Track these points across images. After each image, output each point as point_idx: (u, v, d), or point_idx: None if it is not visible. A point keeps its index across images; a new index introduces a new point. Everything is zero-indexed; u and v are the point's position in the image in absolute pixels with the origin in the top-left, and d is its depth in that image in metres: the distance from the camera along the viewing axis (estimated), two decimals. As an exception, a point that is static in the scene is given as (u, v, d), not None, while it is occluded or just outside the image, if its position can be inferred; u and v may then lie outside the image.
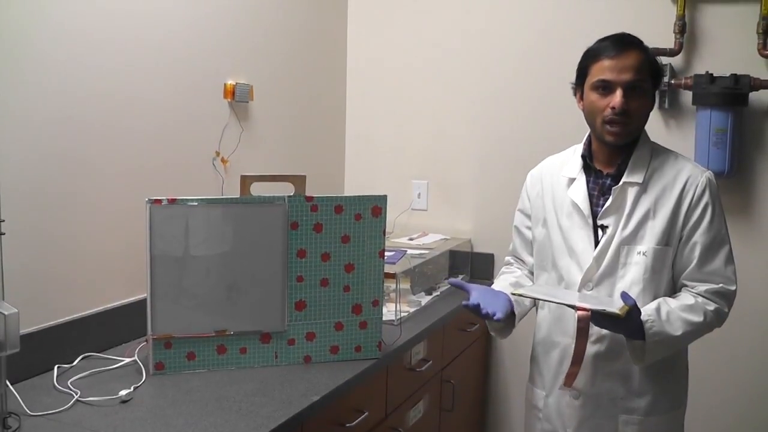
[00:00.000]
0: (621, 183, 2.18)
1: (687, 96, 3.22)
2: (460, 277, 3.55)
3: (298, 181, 2.37)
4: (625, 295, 2.01)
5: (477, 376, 3.62)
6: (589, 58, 2.18)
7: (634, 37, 2.18)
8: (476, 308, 2.11)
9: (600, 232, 2.20)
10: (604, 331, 2.16)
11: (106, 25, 2.38)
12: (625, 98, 2.09)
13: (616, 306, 1.98)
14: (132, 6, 2.47)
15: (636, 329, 2.03)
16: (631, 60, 2.10)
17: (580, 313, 1.98)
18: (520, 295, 2.14)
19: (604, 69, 2.12)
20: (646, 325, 2.03)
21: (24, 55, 2.13)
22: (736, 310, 3.04)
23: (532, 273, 2.42)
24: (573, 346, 2.05)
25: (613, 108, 2.10)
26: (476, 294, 2.18)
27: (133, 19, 2.48)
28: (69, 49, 2.26)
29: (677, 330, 2.06)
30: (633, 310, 1.99)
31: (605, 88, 2.12)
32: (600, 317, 1.99)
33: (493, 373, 3.70)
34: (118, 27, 2.43)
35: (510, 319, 2.24)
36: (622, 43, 2.14)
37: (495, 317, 2.10)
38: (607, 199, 2.20)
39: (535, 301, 2.34)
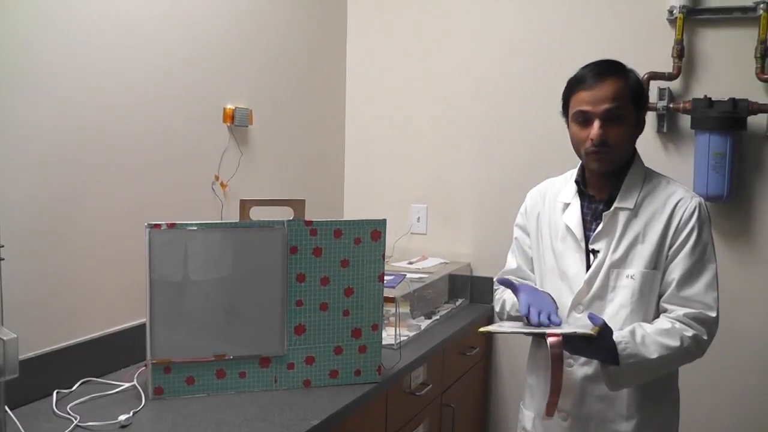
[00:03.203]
0: (612, 208, 2.19)
1: (685, 120, 3.24)
2: (460, 301, 3.55)
3: (298, 205, 2.38)
4: (593, 316, 1.99)
5: (477, 399, 3.61)
6: (569, 89, 2.20)
7: (614, 65, 2.18)
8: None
9: (591, 256, 2.21)
10: None
11: (106, 51, 2.39)
12: (604, 128, 2.10)
13: (585, 328, 1.95)
14: (132, 30, 2.49)
15: (609, 351, 2.01)
16: (606, 90, 2.10)
17: (551, 339, 1.94)
18: (488, 332, 2.11)
19: (581, 101, 2.13)
20: (620, 347, 2.01)
21: (24, 82, 2.14)
22: (734, 334, 3.05)
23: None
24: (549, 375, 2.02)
25: (591, 140, 2.11)
26: (525, 297, 2.13)
27: (133, 44, 2.50)
28: (70, 73, 2.27)
29: (652, 353, 2.03)
30: (604, 330, 1.96)
31: (584, 120, 2.13)
32: (573, 341, 1.96)
33: (493, 397, 3.69)
34: (118, 52, 2.44)
35: None
36: (599, 72, 2.14)
37: (554, 322, 2.04)
38: (600, 223, 2.21)
39: None
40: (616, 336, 2.02)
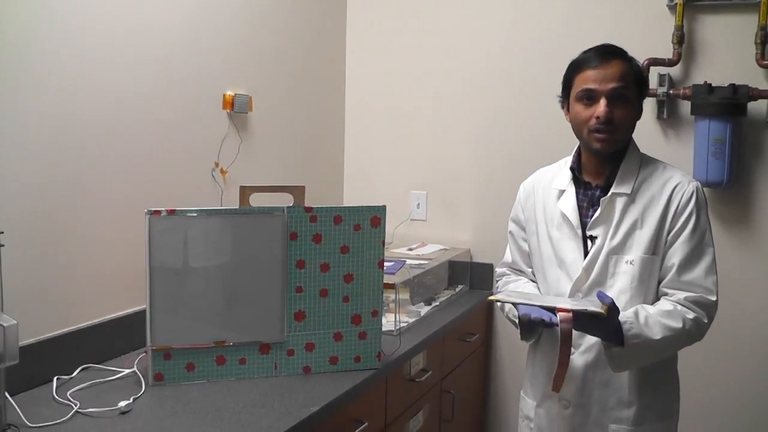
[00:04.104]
0: (609, 194, 2.19)
1: (685, 106, 3.23)
2: (459, 287, 3.56)
3: (297, 191, 2.37)
4: (602, 295, 1.99)
5: (476, 386, 3.62)
6: (573, 69, 2.20)
7: (617, 48, 2.19)
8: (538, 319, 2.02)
9: (589, 242, 2.21)
10: (593, 340, 2.15)
11: (106, 37, 2.39)
12: (610, 107, 2.10)
13: (596, 306, 1.95)
14: (132, 18, 2.48)
15: (615, 331, 2.01)
16: (613, 69, 2.12)
17: (561, 314, 1.94)
18: (498, 301, 2.10)
19: (587, 79, 2.13)
20: (625, 327, 2.01)
21: (24, 68, 2.14)
22: (733, 319, 3.05)
23: (533, 281, 2.41)
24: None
25: (597, 117, 2.11)
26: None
27: (133, 30, 2.49)
28: (69, 60, 2.27)
29: (656, 334, 2.03)
30: (612, 309, 1.96)
31: (589, 97, 2.13)
32: (582, 318, 1.96)
33: (493, 383, 3.70)
34: (117, 38, 2.43)
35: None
36: (605, 53, 2.16)
37: (554, 321, 2.01)
38: (596, 210, 2.20)
39: None
40: (621, 317, 2.02)
